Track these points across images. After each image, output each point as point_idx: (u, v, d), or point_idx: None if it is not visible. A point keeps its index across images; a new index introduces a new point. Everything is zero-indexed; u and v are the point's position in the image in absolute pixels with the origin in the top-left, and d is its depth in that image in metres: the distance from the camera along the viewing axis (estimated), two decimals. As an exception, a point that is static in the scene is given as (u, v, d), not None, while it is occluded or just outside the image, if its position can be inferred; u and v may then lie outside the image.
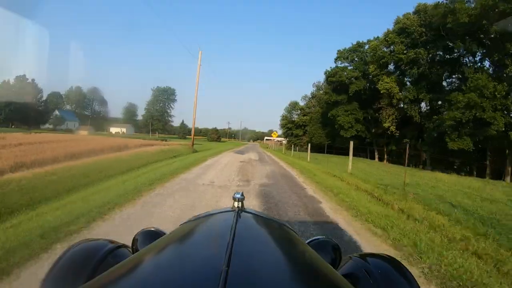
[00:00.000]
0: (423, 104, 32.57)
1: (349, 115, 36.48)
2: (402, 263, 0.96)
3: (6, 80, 53.85)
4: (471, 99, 21.15)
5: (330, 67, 39.19)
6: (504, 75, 21.87)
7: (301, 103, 61.01)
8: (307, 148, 53.24)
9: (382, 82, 31.18)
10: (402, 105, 33.24)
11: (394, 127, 32.58)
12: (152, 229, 1.09)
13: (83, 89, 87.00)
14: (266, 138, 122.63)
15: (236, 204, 0.90)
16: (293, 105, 61.16)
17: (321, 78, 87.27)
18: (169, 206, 4.75)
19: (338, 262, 1.03)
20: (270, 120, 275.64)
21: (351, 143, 12.31)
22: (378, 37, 35.99)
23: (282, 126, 61.53)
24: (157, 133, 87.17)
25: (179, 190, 6.19)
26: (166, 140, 34.24)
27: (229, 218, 0.79)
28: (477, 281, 2.56)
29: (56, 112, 66.50)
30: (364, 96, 37.05)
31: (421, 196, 6.86)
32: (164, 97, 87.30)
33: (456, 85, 27.80)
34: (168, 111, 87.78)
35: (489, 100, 20.95)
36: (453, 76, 29.28)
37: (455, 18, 22.61)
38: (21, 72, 55.31)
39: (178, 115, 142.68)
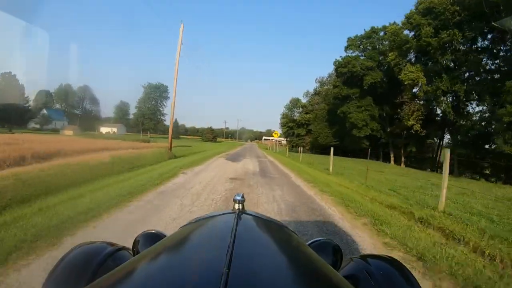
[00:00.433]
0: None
1: (362, 111, 31.26)
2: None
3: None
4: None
5: (340, 56, 33.97)
6: None
7: (303, 100, 55.82)
8: (309, 149, 48.04)
9: (407, 72, 25.95)
10: (427, 100, 28.09)
11: (419, 125, 27.38)
12: (153, 231, 1.09)
13: (73, 87, 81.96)
14: (264, 138, 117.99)
15: (236, 206, 0.90)
16: (295, 102, 55.84)
17: (324, 73, 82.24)
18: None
19: (339, 264, 1.02)
20: (268, 119, 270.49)
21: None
22: (395, 22, 30.81)
23: (283, 125, 56.10)
24: (148, 132, 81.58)
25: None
26: (149, 142, 28.79)
27: (229, 220, 0.79)
28: None
29: (44, 111, 63.46)
30: (380, 89, 31.87)
31: None
32: (156, 94, 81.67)
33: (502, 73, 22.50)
34: (161, 109, 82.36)
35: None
36: (495, 62, 24.06)
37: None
38: (6, 69, 50.40)
39: (166, 110, 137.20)
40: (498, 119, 18.26)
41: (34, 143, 15.84)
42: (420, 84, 25.99)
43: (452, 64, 24.78)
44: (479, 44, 24.84)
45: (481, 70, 24.08)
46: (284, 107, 57.43)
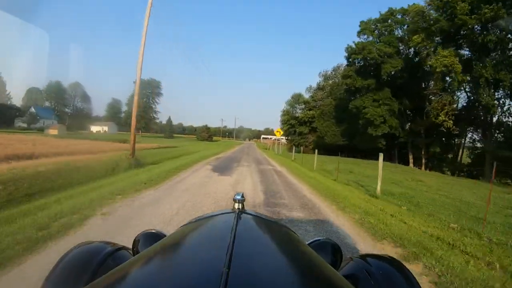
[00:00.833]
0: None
1: (380, 105, 26.54)
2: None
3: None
4: None
5: (354, 41, 29.19)
6: None
7: (306, 96, 50.99)
8: (313, 149, 43.33)
9: (439, 57, 21.31)
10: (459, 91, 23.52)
11: (452, 121, 22.76)
12: (153, 231, 1.08)
13: (63, 84, 77.30)
14: (263, 136, 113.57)
15: (236, 205, 0.89)
16: (297, 98, 51.02)
17: (329, 67, 77.85)
18: None
19: (339, 263, 1.01)
20: (266, 118, 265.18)
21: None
22: (414, 3, 26.06)
23: (283, 122, 51.15)
24: (140, 131, 76.58)
25: None
26: (125, 142, 23.92)
27: (229, 220, 0.78)
28: None
29: (32, 109, 59.39)
30: (400, 80, 27.23)
31: None
32: (148, 90, 76.66)
33: None
34: (153, 106, 77.37)
35: None
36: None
37: None
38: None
39: (165, 110, 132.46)
40: None
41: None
42: (453, 72, 21.36)
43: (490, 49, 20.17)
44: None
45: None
46: (285, 103, 52.69)
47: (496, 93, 22.04)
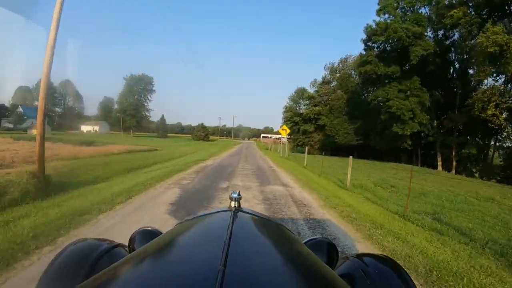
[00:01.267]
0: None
1: (408, 97, 21.75)
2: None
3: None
4: None
5: (374, 20, 24.28)
6: None
7: (311, 91, 46.06)
8: (319, 149, 38.49)
9: (489, 34, 16.58)
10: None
11: (504, 116, 18.05)
12: (149, 228, 1.07)
13: (53, 82, 73.40)
14: (262, 135, 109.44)
15: (233, 204, 0.87)
16: (301, 93, 46.16)
17: (335, 59, 73.25)
18: None
19: (335, 262, 1.00)
20: (266, 117, 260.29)
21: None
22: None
23: (286, 119, 46.20)
24: (131, 131, 71.57)
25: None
26: (91, 145, 19.35)
27: (225, 218, 0.77)
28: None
29: (20, 108, 56.78)
30: (432, 66, 22.45)
31: None
32: (140, 87, 71.63)
33: None
34: (145, 104, 72.18)
35: None
36: None
37: None
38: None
39: (158, 108, 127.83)
40: None
41: None
42: (509, 52, 16.62)
43: None
44: None
45: None
46: (288, 98, 47.80)
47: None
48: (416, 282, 2.76)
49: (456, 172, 24.75)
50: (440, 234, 4.43)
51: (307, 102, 44.67)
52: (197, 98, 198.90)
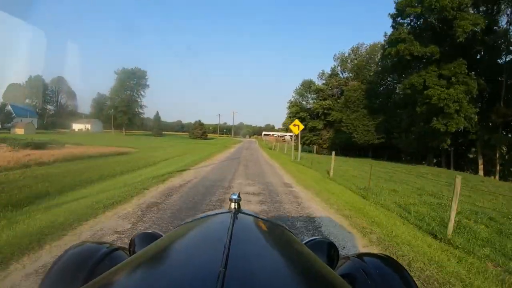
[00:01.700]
0: None
1: (453, 85, 17.10)
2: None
3: None
4: None
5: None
6: None
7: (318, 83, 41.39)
8: (328, 149, 33.65)
9: None
10: None
11: None
12: (149, 231, 1.07)
13: (45, 79, 68.52)
14: (264, 133, 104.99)
15: (233, 205, 0.87)
16: (308, 86, 41.51)
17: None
18: None
19: (336, 263, 0.99)
20: (268, 114, 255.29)
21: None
22: None
23: (291, 115, 41.57)
24: (123, 129, 66.84)
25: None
26: (44, 148, 14.86)
27: (226, 220, 0.77)
28: None
29: (8, 107, 54.04)
30: (480, 46, 17.82)
31: None
32: (132, 81, 66.76)
33: None
34: (138, 100, 67.34)
35: None
36: None
37: None
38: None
39: (156, 106, 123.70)
40: None
41: None
42: None
43: None
44: None
45: None
46: (294, 92, 43.08)
47: None
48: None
49: (500, 178, 20.40)
50: None
51: (315, 96, 40.09)
52: (197, 96, 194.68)
